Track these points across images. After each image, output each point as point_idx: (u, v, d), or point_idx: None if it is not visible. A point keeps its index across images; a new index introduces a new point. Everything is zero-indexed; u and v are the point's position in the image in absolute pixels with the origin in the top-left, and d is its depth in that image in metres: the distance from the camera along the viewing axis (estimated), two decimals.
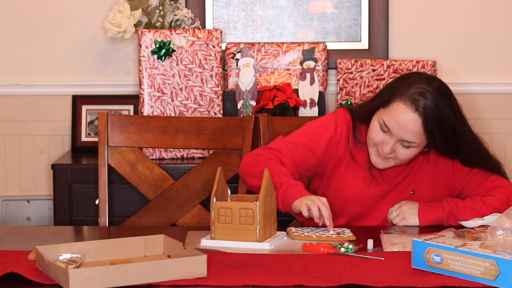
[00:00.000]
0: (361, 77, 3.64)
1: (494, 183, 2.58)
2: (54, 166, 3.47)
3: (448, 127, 2.43)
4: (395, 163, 2.53)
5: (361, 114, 2.57)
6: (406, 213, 2.52)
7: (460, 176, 2.60)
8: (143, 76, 3.45)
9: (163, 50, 3.44)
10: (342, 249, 2.22)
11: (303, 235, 2.35)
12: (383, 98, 2.49)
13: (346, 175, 2.60)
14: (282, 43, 3.69)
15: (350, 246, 2.22)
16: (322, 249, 2.22)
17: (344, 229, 2.43)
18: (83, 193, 3.42)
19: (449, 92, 2.48)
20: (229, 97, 3.64)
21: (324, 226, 2.41)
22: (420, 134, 2.43)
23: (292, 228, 2.44)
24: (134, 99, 3.73)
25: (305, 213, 2.37)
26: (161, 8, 3.63)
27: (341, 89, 3.68)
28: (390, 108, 2.45)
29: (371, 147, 2.53)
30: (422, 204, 2.53)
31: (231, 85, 3.66)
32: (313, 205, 2.35)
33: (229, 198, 2.41)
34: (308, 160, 2.58)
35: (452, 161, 2.59)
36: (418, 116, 2.41)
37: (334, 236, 2.36)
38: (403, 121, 2.42)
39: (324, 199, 2.38)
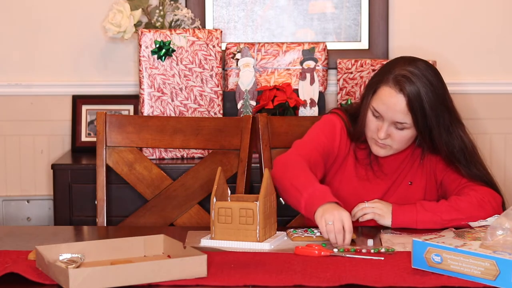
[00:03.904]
0: (361, 77, 3.63)
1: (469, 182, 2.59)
2: (54, 166, 3.47)
3: (428, 108, 2.47)
4: (394, 150, 2.56)
5: (357, 112, 2.61)
6: (381, 210, 2.51)
7: (442, 168, 2.62)
8: (143, 76, 3.45)
9: (163, 50, 3.44)
10: (335, 250, 2.21)
11: (303, 236, 2.35)
12: (371, 89, 2.55)
13: (348, 172, 2.63)
14: (282, 43, 3.69)
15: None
16: (316, 252, 2.21)
17: None
18: (83, 193, 3.42)
19: (434, 72, 2.53)
20: (229, 97, 3.64)
21: None
22: (409, 114, 2.48)
23: (291, 230, 2.43)
24: (134, 99, 3.73)
25: (323, 230, 2.31)
26: (161, 8, 3.63)
27: (341, 89, 3.68)
28: (377, 94, 2.52)
29: (370, 139, 2.58)
30: (395, 206, 2.52)
31: (231, 85, 3.66)
32: (331, 231, 2.28)
33: (229, 198, 2.41)
34: (331, 154, 2.60)
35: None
36: (403, 96, 2.47)
37: None
38: (390, 102, 2.49)
39: (345, 217, 2.30)
